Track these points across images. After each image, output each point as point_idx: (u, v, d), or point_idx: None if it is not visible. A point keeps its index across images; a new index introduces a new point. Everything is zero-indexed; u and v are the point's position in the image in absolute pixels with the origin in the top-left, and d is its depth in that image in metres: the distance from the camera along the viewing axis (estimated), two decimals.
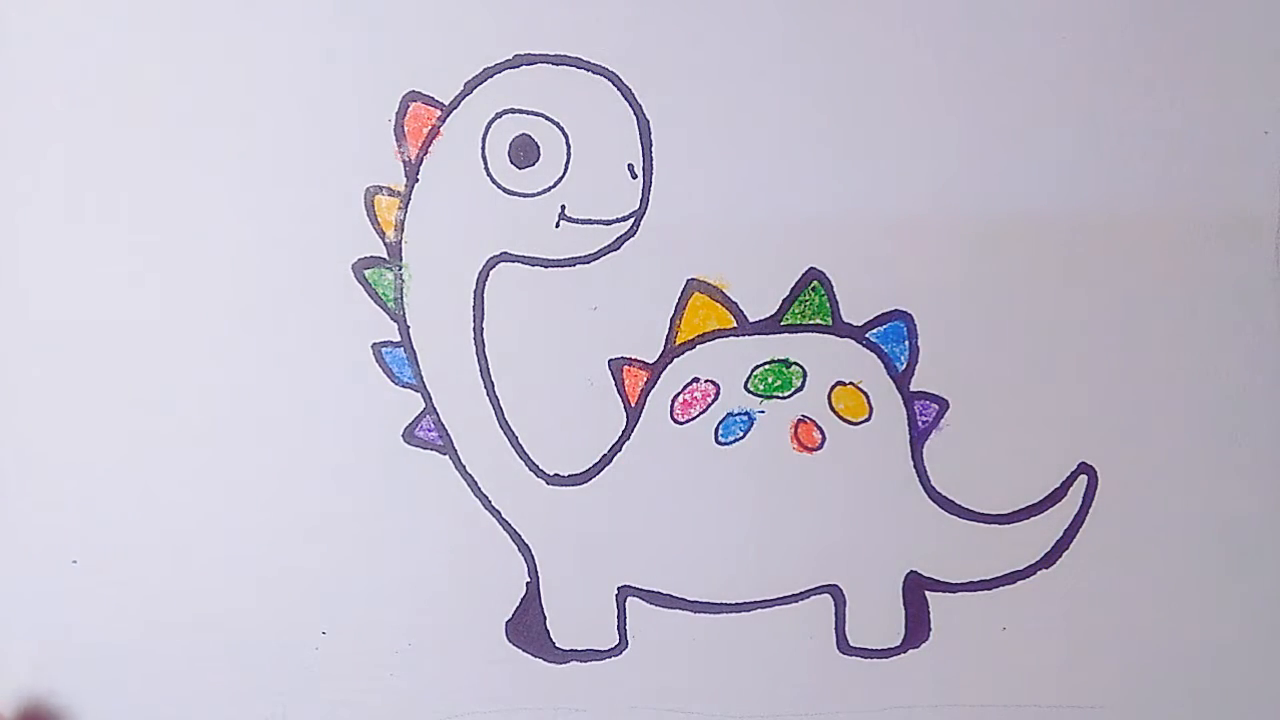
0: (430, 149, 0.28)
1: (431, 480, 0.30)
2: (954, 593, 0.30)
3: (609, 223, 0.29)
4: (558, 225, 0.29)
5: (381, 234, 0.29)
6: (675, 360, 0.29)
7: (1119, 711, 0.31)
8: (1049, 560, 0.30)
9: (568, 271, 0.29)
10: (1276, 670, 0.31)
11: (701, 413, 0.30)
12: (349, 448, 0.30)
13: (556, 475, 0.30)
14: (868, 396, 0.30)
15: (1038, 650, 0.31)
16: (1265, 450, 0.30)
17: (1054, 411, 0.29)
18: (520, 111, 0.28)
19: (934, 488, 0.30)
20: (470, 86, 0.28)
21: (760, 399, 0.30)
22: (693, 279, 0.29)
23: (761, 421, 0.30)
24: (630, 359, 0.29)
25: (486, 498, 0.30)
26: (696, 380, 0.29)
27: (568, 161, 0.28)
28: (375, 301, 0.29)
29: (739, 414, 0.30)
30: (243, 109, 0.28)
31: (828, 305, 0.29)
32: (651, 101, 0.28)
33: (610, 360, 0.29)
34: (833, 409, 0.30)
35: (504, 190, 0.28)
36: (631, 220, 0.28)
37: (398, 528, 0.30)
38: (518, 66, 0.28)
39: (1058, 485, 0.30)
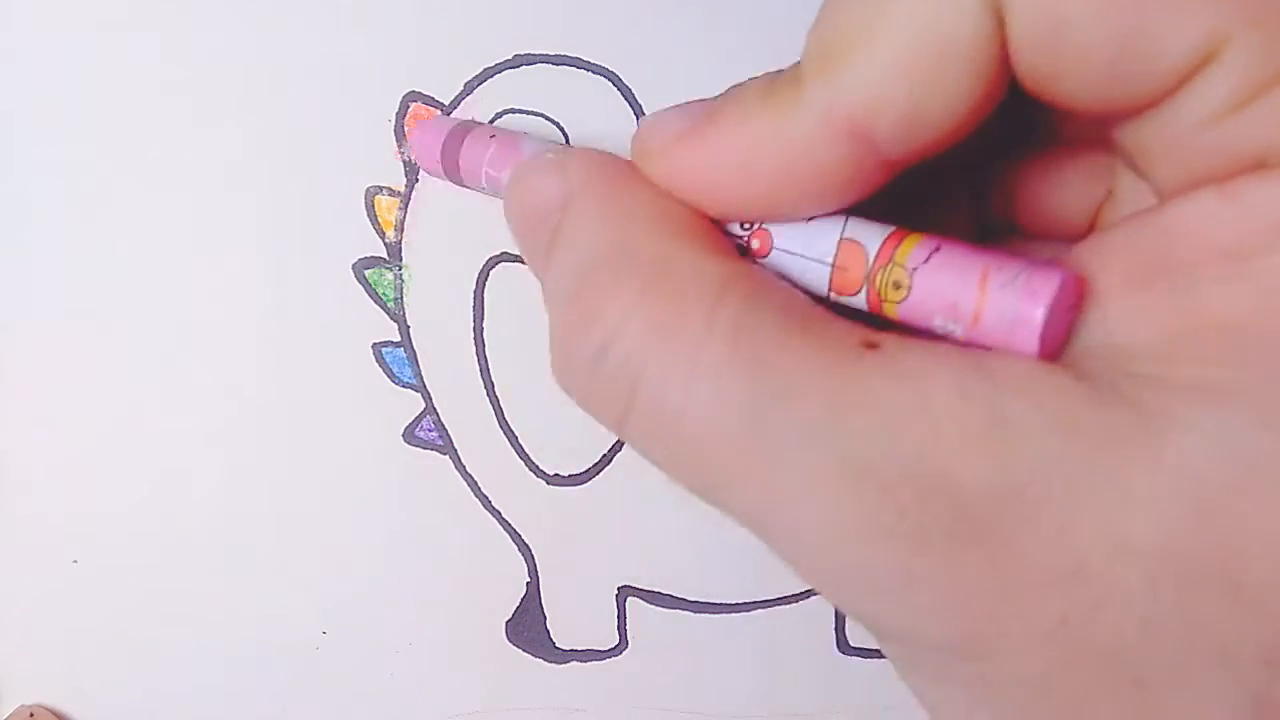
0: None
1: (431, 480, 0.30)
2: None
3: None
4: None
5: (381, 234, 0.29)
6: None
7: None
8: None
9: None
10: None
11: None
12: (349, 448, 0.30)
13: (556, 475, 0.30)
14: None
15: None
16: None
17: None
18: (520, 111, 0.28)
19: None
20: (470, 86, 0.28)
21: None
22: None
23: None
24: None
25: (486, 498, 0.30)
26: None
27: None
28: (375, 301, 0.29)
29: None
30: (241, 109, 0.28)
31: None
32: (651, 101, 0.28)
33: None
34: None
35: None
36: None
37: (398, 528, 0.30)
38: (518, 66, 0.28)
39: None
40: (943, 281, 0.14)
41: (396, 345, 0.29)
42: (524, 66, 0.28)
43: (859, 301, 0.15)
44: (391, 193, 0.28)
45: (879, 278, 0.15)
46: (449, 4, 0.27)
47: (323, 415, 0.30)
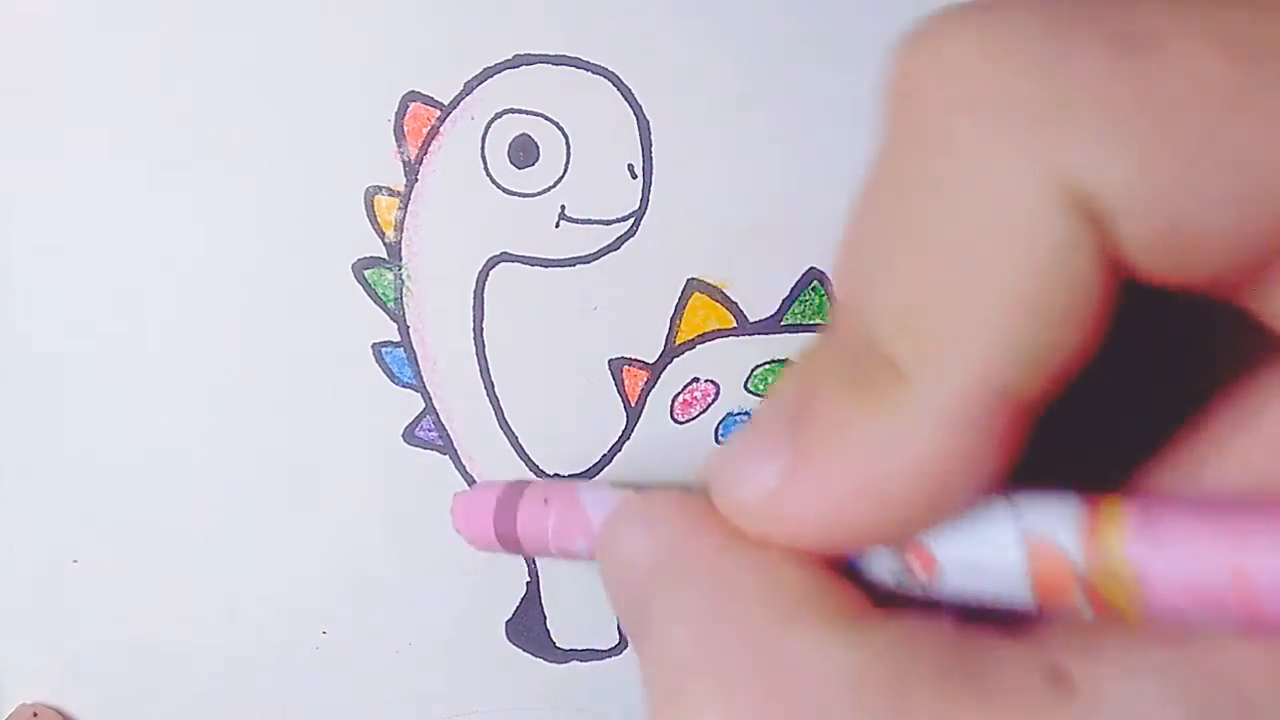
0: (430, 149, 0.28)
1: (431, 480, 0.30)
2: None
3: (609, 223, 0.29)
4: (558, 225, 0.29)
5: (381, 234, 0.29)
6: (675, 360, 0.29)
7: None
8: None
9: (568, 271, 0.29)
10: None
11: (701, 413, 0.30)
12: (349, 448, 0.30)
13: (556, 475, 0.30)
14: None
15: None
16: None
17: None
18: (520, 111, 0.28)
19: None
20: (470, 86, 0.28)
21: (760, 399, 0.30)
22: (693, 279, 0.29)
23: None
24: (630, 359, 0.29)
25: None
26: (696, 380, 0.29)
27: (568, 161, 0.28)
28: (375, 301, 0.29)
29: (739, 414, 0.30)
30: (241, 109, 0.28)
31: (828, 305, 0.29)
32: (651, 101, 0.28)
33: (610, 360, 0.29)
34: None
35: (504, 190, 0.28)
36: (631, 220, 0.28)
37: (398, 528, 0.30)
38: (518, 66, 0.28)
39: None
40: (1182, 561, 0.11)
41: (396, 345, 0.29)
42: (524, 66, 0.28)
43: (1081, 611, 0.12)
44: (391, 193, 0.28)
45: (1094, 576, 0.12)
46: (449, 4, 0.27)
47: (323, 415, 0.30)
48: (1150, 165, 0.11)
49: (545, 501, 0.23)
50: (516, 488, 0.25)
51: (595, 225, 0.29)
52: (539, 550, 0.24)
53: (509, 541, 0.24)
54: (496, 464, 0.30)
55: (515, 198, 0.28)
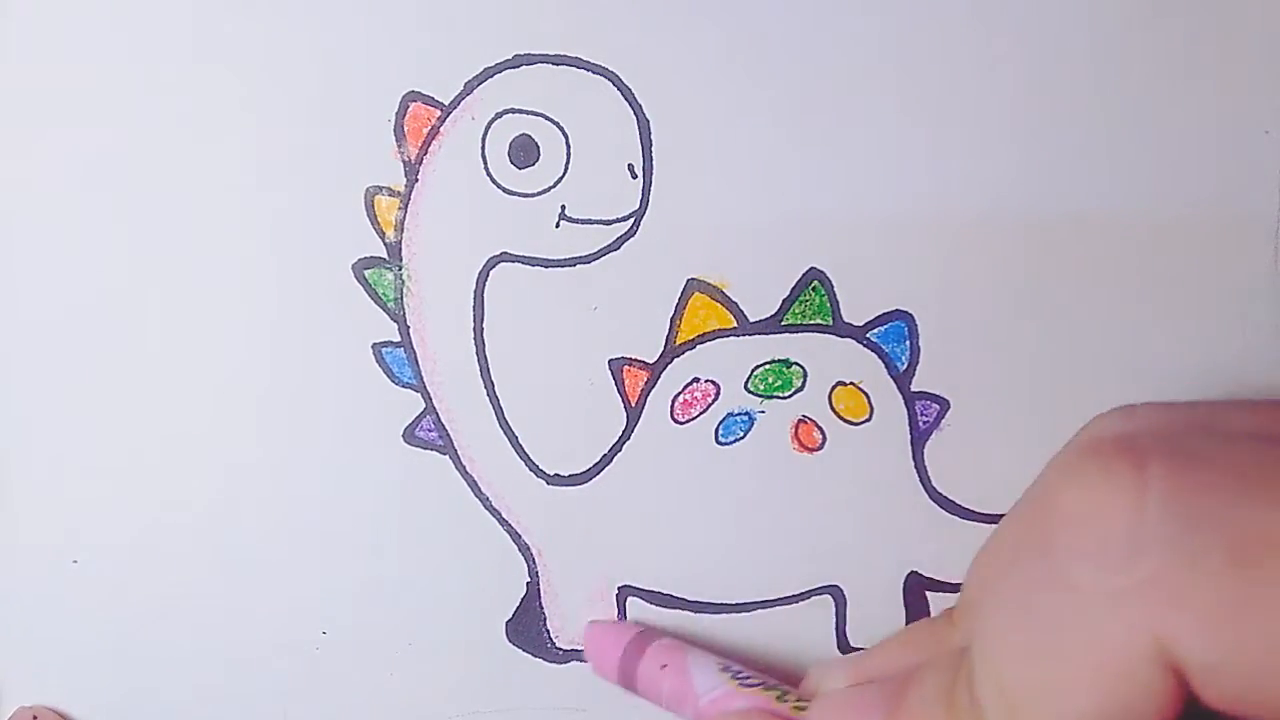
0: (430, 149, 0.28)
1: (431, 480, 0.30)
2: (955, 593, 0.30)
3: (609, 223, 0.29)
4: (558, 225, 0.29)
5: (381, 234, 0.29)
6: (675, 360, 0.29)
7: None
8: None
9: (568, 271, 0.29)
10: None
11: (701, 413, 0.30)
12: (349, 448, 0.30)
13: (556, 475, 0.30)
14: (868, 396, 0.30)
15: None
16: None
17: (1054, 411, 0.29)
18: (520, 111, 0.28)
19: (934, 488, 0.30)
20: (470, 86, 0.28)
21: (760, 399, 0.30)
22: (693, 279, 0.29)
23: (761, 421, 0.30)
24: (630, 359, 0.29)
25: (486, 498, 0.30)
26: (696, 380, 0.29)
27: (568, 161, 0.28)
28: (375, 301, 0.29)
29: (739, 414, 0.30)
30: (241, 109, 0.28)
31: (828, 305, 0.29)
32: (651, 101, 0.28)
33: (610, 360, 0.29)
34: (833, 409, 0.30)
35: (504, 190, 0.28)
36: (631, 220, 0.28)
37: (398, 528, 0.30)
38: (518, 66, 0.28)
39: None
40: None
41: (396, 345, 0.29)
42: (524, 66, 0.28)
43: None
44: (391, 193, 0.28)
45: None
46: (449, 4, 0.27)
47: (323, 415, 0.30)
48: (1233, 658, 0.14)
49: (662, 667, 0.28)
50: (639, 643, 0.29)
51: (595, 225, 0.29)
52: (650, 701, 0.28)
53: (627, 684, 0.29)
54: (496, 464, 0.30)
55: (515, 198, 0.28)
